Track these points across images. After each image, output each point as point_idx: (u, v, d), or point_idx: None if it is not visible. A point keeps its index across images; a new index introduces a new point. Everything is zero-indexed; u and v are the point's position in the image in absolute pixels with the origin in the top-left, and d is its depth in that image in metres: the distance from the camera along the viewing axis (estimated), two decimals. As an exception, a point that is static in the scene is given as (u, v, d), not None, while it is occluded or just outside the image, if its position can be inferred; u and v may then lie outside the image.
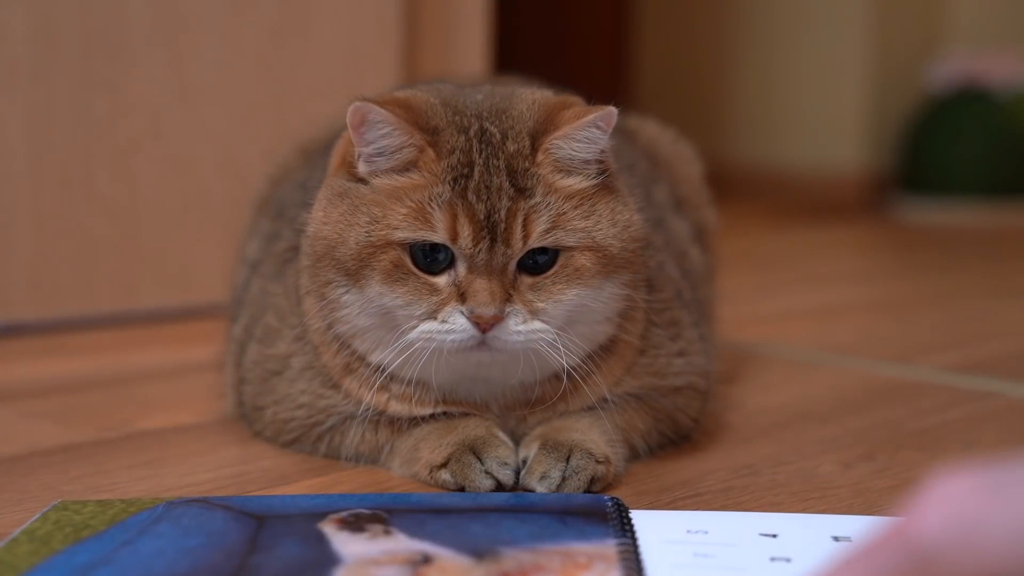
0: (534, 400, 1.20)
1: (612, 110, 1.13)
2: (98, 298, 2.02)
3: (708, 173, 1.70)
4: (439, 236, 1.09)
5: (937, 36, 4.48)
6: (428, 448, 1.17)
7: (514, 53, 3.03)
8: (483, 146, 1.11)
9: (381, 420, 1.21)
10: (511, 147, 1.12)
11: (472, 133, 1.12)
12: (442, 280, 1.10)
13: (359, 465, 1.23)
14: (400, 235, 1.10)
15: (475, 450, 1.14)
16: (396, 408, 1.20)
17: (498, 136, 1.12)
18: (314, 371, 1.24)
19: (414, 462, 1.18)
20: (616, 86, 4.59)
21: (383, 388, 1.19)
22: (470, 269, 1.09)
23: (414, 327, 1.11)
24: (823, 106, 4.39)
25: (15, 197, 1.93)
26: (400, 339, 1.12)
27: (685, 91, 4.73)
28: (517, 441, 1.20)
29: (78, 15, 1.95)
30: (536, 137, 1.13)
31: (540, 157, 1.12)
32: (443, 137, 1.12)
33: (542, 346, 1.11)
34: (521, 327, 1.10)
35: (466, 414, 1.20)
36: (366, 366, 1.19)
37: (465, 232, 1.09)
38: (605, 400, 1.21)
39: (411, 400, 1.19)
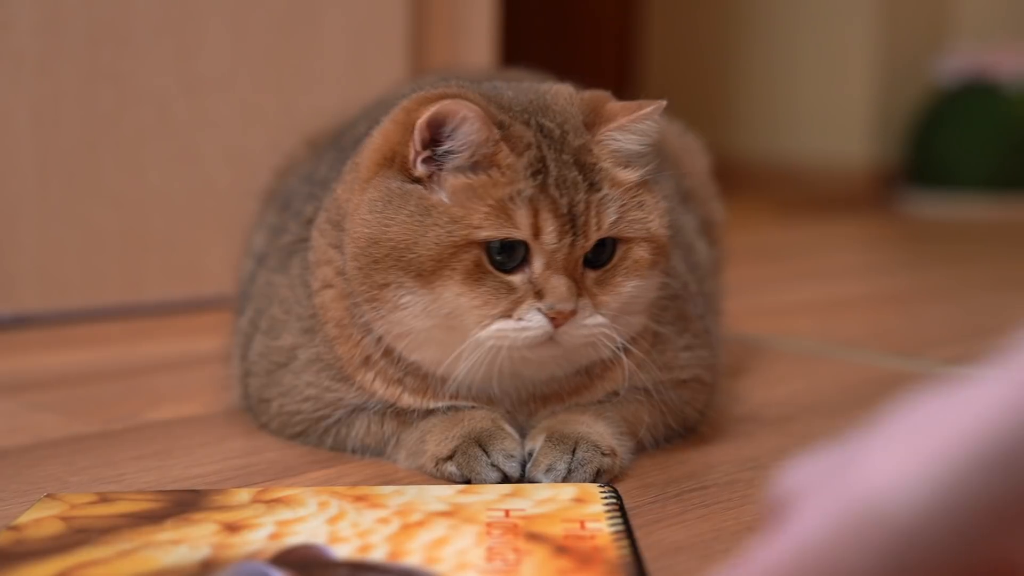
0: (550, 394, 1.20)
1: (662, 103, 1.14)
2: (104, 290, 2.03)
3: (715, 166, 1.70)
4: (521, 233, 1.08)
5: (945, 29, 4.46)
6: (434, 441, 1.17)
7: (521, 45, 3.03)
8: (548, 141, 1.11)
9: (388, 412, 1.21)
10: (575, 141, 1.12)
11: (534, 128, 1.12)
12: (517, 278, 1.10)
13: (365, 457, 1.23)
14: (483, 234, 1.08)
15: (481, 443, 1.14)
16: (408, 401, 1.20)
17: (557, 131, 1.12)
18: (322, 363, 1.23)
19: (420, 454, 1.18)
20: (623, 78, 4.59)
21: (398, 382, 1.19)
22: (547, 265, 1.09)
23: (486, 326, 1.10)
24: (830, 99, 4.38)
25: (21, 189, 1.93)
26: (468, 338, 1.11)
27: (692, 84, 4.72)
28: (523, 433, 1.19)
29: (84, 6, 1.95)
30: (591, 130, 1.14)
31: (597, 150, 1.13)
32: (513, 132, 1.11)
33: (601, 339, 1.12)
34: (588, 321, 1.11)
35: (473, 407, 1.19)
36: (393, 363, 1.18)
37: (549, 228, 1.08)
38: (616, 394, 1.21)
39: (424, 394, 1.19)
